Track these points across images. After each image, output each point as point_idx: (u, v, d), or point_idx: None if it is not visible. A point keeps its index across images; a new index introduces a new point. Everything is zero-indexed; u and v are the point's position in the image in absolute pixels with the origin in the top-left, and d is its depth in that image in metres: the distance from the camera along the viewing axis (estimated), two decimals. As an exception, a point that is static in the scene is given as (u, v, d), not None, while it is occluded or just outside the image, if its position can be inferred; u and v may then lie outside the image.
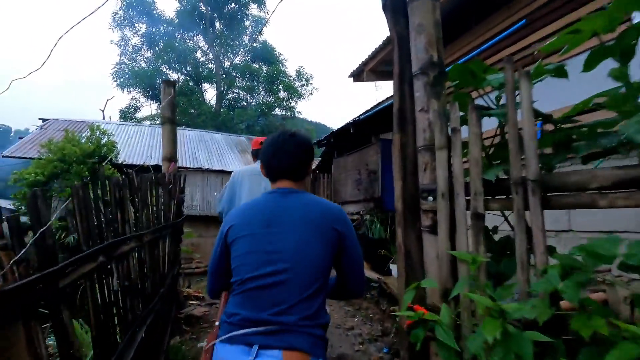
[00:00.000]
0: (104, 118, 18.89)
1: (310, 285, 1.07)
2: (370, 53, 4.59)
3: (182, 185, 3.50)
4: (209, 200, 9.18)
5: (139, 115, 19.57)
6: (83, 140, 7.49)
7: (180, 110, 17.37)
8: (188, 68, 19.83)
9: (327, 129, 33.30)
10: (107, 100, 25.64)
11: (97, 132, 7.52)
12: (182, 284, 4.79)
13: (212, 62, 20.68)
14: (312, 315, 1.05)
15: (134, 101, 19.15)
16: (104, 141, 7.69)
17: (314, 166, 12.72)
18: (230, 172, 9.89)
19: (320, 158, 13.62)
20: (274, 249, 1.09)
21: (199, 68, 20.04)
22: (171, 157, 3.49)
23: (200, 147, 10.61)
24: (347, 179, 8.82)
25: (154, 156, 9.46)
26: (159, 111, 21.10)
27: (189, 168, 9.18)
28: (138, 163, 8.56)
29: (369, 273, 4.25)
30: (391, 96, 6.87)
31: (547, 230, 1.03)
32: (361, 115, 6.76)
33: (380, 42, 4.33)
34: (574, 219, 2.84)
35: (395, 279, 3.67)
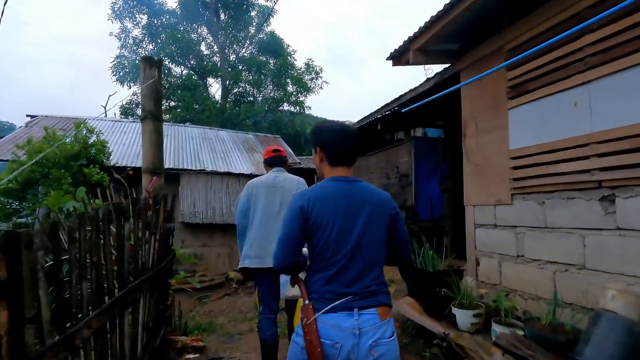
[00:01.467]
0: (105, 115, 17.98)
1: (378, 261, 1.40)
2: (420, 26, 3.48)
3: (169, 208, 2.46)
4: (214, 206, 8.17)
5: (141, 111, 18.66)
6: (69, 140, 6.49)
7: (184, 106, 16.41)
8: (192, 61, 18.79)
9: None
10: (109, 96, 24.85)
11: (84, 130, 6.52)
12: (176, 309, 3.75)
13: (217, 54, 19.63)
14: (382, 280, 1.40)
15: (136, 97, 18.20)
16: (92, 140, 6.70)
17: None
18: (236, 175, 8.85)
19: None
20: (352, 235, 1.34)
21: (203, 61, 18.99)
22: (154, 168, 2.45)
23: (203, 146, 9.58)
24: (371, 182, 7.74)
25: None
26: (164, 106, 20.14)
27: (191, 170, 8.16)
28: (133, 165, 7.57)
29: (422, 319, 3.18)
30: (424, 82, 5.75)
31: None
32: (394, 107, 5.67)
33: (438, 10, 3.22)
34: None
35: (473, 339, 2.59)
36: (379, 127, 6.33)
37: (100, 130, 6.83)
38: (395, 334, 1.33)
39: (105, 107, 20.03)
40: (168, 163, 8.08)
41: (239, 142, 10.63)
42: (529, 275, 2.98)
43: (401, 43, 3.81)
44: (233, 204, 8.25)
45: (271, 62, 19.06)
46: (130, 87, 16.87)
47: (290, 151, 11.04)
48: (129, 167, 7.51)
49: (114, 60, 16.50)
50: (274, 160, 2.71)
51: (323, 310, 1.26)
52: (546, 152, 2.83)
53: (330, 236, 1.31)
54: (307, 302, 1.31)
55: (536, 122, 2.95)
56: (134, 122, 10.58)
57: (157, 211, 2.23)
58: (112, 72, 16.28)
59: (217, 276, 8.31)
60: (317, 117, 22.03)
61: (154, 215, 2.10)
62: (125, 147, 8.37)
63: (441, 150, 6.69)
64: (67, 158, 6.08)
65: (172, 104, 18.54)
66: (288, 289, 2.50)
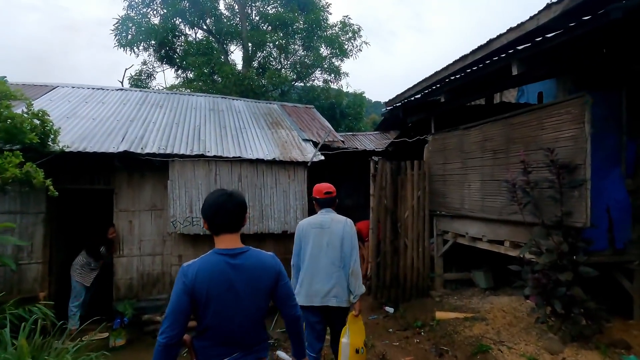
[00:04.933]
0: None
1: (260, 327, 1.66)
2: None
3: None
4: (220, 209, 5.42)
5: (153, 83, 16.30)
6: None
7: (197, 75, 13.79)
8: (208, 22, 15.98)
9: (368, 100, 27.05)
10: (126, 69, 22.67)
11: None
12: None
13: (237, 15, 16.65)
14: (263, 340, 1.69)
15: (146, 66, 15.84)
16: (20, 111, 4.16)
17: (381, 148, 8.62)
18: (252, 161, 5.89)
19: (379, 132, 9.36)
20: (236, 310, 1.55)
21: (221, 23, 16.11)
22: None
23: (209, 121, 6.87)
24: (468, 174, 4.67)
25: (135, 135, 5.88)
26: (180, 78, 17.66)
27: (186, 156, 5.50)
28: (95, 150, 4.98)
29: None
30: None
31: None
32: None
33: None
34: None
35: None
36: (514, 72, 3.24)
37: (26, 96, 4.22)
38: None
39: (122, 82, 17.83)
40: (151, 146, 5.44)
41: (259, 115, 7.83)
42: None
43: None
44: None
45: (300, 20, 15.84)
46: (137, 55, 14.40)
47: (330, 126, 8.12)
48: (87, 151, 4.94)
49: (117, 22, 14.00)
50: (325, 202, 2.93)
51: None
52: None
53: (212, 310, 1.51)
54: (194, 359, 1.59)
55: None
56: (120, 90, 8.03)
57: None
58: (115, 35, 13.82)
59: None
60: (348, 92, 18.47)
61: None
62: (94, 123, 5.80)
63: (625, 117, 3.53)
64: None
65: (190, 75, 16.04)
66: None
